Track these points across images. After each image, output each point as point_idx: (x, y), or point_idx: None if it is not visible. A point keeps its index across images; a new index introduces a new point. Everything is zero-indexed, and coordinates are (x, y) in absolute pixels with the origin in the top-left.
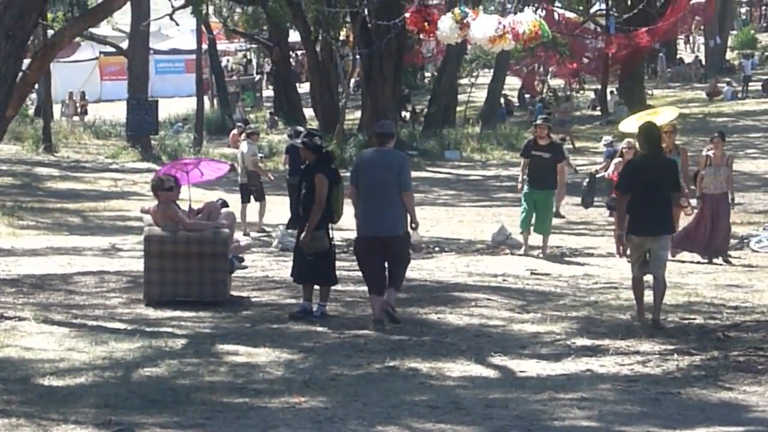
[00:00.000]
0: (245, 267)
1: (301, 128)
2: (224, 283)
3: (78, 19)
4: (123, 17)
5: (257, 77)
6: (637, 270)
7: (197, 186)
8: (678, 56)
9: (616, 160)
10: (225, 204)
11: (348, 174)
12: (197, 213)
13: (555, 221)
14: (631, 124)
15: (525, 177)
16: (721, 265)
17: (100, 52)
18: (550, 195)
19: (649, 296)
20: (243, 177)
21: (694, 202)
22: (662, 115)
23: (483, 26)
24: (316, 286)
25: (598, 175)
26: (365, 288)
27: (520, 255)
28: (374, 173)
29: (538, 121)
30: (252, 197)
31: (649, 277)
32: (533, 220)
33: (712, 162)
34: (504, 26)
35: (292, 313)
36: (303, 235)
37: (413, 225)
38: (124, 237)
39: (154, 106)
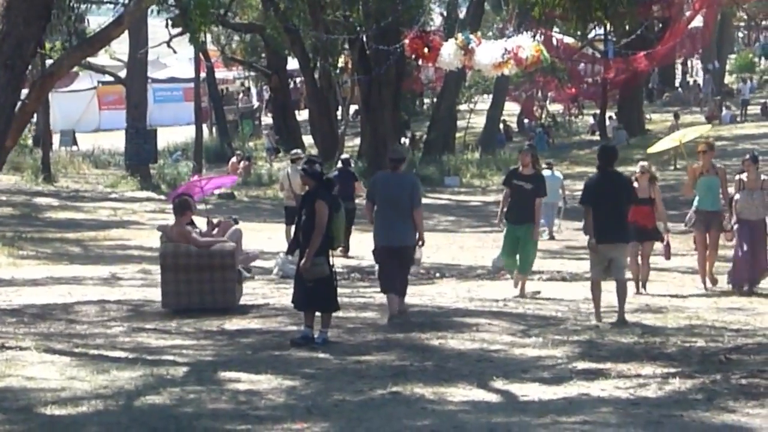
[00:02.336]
0: (253, 277)
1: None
2: (233, 291)
3: (76, 49)
4: (121, 46)
5: (256, 105)
6: (596, 274)
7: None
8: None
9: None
10: (236, 221)
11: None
12: (214, 227)
13: (554, 245)
14: (659, 145)
15: (505, 209)
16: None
17: (99, 82)
18: (531, 228)
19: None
20: (290, 200)
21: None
22: (691, 131)
23: (488, 52)
24: (318, 313)
25: None
26: (366, 314)
27: (516, 297)
28: (390, 192)
29: (525, 148)
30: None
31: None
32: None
33: (746, 186)
34: (508, 51)
35: (293, 339)
36: (303, 261)
37: (420, 242)
38: (124, 266)
39: (153, 134)
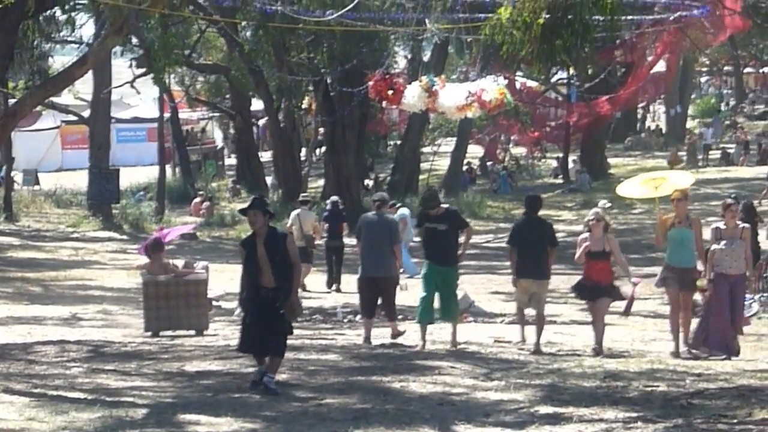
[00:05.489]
0: (219, 307)
1: (336, 198)
2: (206, 316)
3: (39, 88)
4: (84, 86)
5: (219, 146)
6: (521, 303)
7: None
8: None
9: (584, 235)
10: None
11: None
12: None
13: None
14: (631, 188)
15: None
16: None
17: (62, 121)
18: (453, 272)
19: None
20: (300, 240)
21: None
22: (669, 182)
23: (451, 95)
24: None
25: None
26: (328, 357)
27: (419, 347)
28: (372, 231)
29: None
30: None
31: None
32: (437, 304)
33: (723, 235)
34: (472, 94)
35: (253, 380)
36: (290, 299)
37: (401, 270)
38: (84, 306)
39: (116, 174)
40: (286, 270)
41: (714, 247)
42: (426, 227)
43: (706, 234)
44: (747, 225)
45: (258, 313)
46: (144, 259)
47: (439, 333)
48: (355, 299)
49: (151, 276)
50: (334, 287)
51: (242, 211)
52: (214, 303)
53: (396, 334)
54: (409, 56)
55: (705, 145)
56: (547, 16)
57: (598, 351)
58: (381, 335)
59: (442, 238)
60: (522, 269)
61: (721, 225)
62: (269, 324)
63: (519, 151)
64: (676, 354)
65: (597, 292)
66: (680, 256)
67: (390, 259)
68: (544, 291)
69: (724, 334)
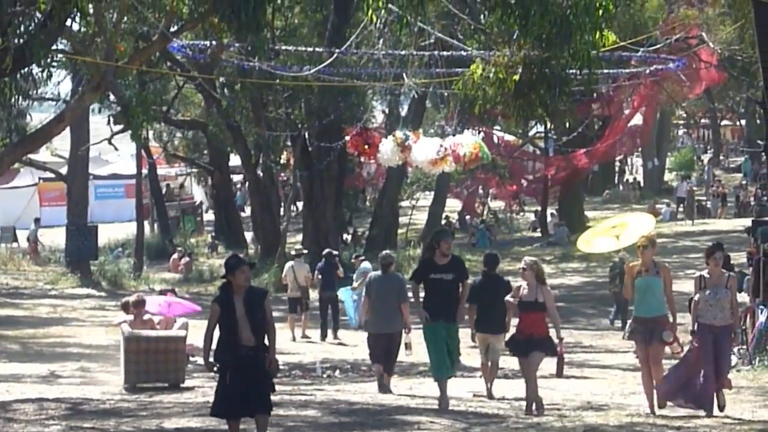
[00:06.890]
0: (195, 361)
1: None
2: (183, 371)
3: (17, 145)
4: (62, 143)
5: (198, 201)
6: (483, 357)
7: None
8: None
9: (519, 283)
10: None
11: None
12: (158, 323)
13: None
14: (591, 241)
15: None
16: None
17: (40, 178)
18: (457, 329)
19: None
20: (295, 291)
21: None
22: (630, 228)
23: (424, 149)
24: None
25: None
26: (307, 412)
27: (441, 403)
28: (381, 290)
29: (444, 233)
30: (298, 308)
31: None
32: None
33: (707, 284)
34: (445, 149)
35: None
36: (270, 359)
37: (407, 330)
38: (63, 363)
39: (94, 231)
40: (264, 328)
41: (696, 297)
42: (431, 278)
43: (679, 286)
44: (733, 274)
45: (241, 373)
46: (122, 316)
47: (419, 388)
48: (339, 352)
49: (134, 331)
50: (331, 337)
51: (226, 276)
52: (191, 358)
53: (383, 385)
54: (387, 111)
55: (679, 197)
56: (522, 70)
57: (529, 410)
58: (359, 390)
59: (449, 291)
60: (480, 324)
61: (705, 273)
62: (255, 383)
63: (497, 204)
64: (652, 414)
65: (529, 346)
66: (647, 306)
67: (398, 316)
68: (500, 344)
69: (702, 388)
